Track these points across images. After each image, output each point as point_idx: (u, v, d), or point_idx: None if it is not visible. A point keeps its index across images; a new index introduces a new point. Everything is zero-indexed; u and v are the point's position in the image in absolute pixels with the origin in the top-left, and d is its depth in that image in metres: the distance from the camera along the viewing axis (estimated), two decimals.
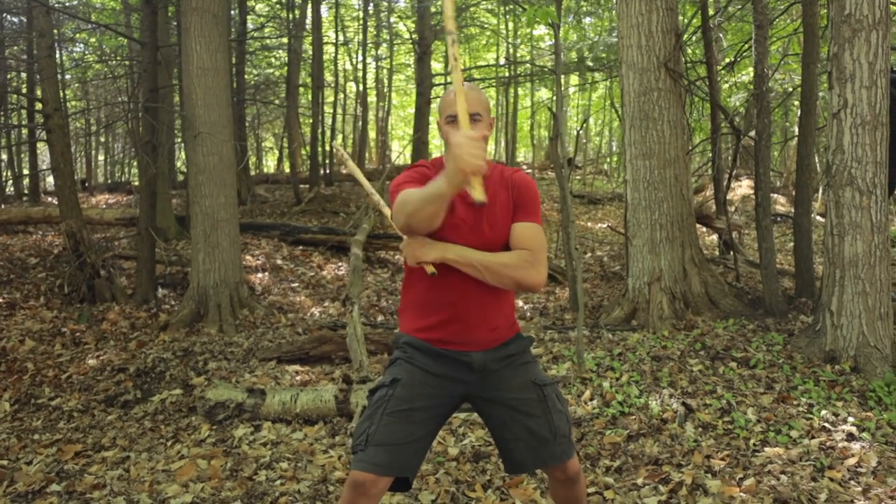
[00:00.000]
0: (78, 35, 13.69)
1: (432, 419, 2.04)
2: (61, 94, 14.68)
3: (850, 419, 3.45)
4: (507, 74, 17.82)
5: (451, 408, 2.11)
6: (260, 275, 7.87)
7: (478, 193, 1.63)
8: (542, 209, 2.12)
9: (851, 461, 3.05)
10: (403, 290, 2.17)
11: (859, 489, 2.86)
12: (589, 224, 12.39)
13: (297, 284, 7.72)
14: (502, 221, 2.04)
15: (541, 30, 19.72)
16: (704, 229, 9.19)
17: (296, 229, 9.39)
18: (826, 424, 3.42)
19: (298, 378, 4.68)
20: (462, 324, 2.05)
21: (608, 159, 22.43)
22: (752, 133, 6.39)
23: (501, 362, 2.09)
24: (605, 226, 11.80)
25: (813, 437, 3.31)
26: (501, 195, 2.05)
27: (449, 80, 17.75)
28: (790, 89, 11.38)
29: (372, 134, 23.08)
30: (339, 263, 8.83)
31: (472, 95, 2.00)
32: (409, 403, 1.98)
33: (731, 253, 7.41)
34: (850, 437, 3.30)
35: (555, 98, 19.40)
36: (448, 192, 1.68)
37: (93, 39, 14.76)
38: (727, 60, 8.87)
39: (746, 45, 6.54)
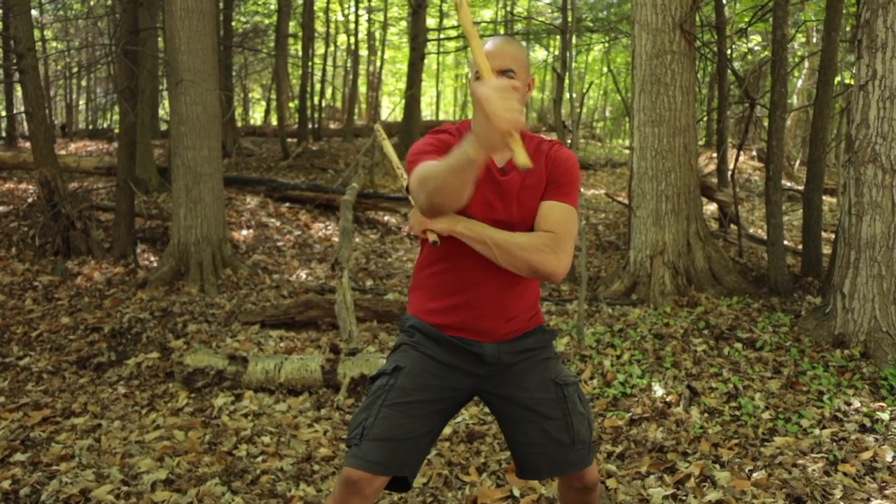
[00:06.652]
0: None
1: (437, 413, 1.81)
2: (39, 33, 14.04)
3: (863, 409, 3.29)
4: (504, 32, 17.30)
5: (458, 402, 1.88)
6: (244, 232, 7.58)
7: (521, 157, 1.35)
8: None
9: (866, 455, 2.90)
10: (416, 266, 1.92)
11: (875, 486, 2.71)
12: (582, 189, 12.15)
13: (282, 244, 7.45)
14: (532, 201, 1.78)
15: None
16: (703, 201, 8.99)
17: (283, 185, 9.06)
18: (838, 414, 3.27)
19: (283, 345, 4.46)
20: (475, 311, 1.81)
21: (602, 123, 22.08)
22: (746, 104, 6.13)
23: (518, 356, 1.86)
24: (599, 192, 11.57)
25: (824, 428, 3.15)
26: (536, 170, 1.79)
27: (443, 35, 17.19)
28: (796, 59, 11.08)
29: (362, 89, 22.50)
30: (327, 223, 8.56)
31: (507, 50, 1.72)
32: (411, 395, 1.76)
33: (731, 227, 7.22)
34: (863, 428, 3.15)
35: (551, 59, 18.93)
36: (478, 159, 1.42)
37: None
38: (737, 26, 8.54)
39: (765, 10, 6.23)
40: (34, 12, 12.61)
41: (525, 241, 1.70)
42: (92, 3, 13.09)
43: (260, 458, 3.08)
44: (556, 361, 1.92)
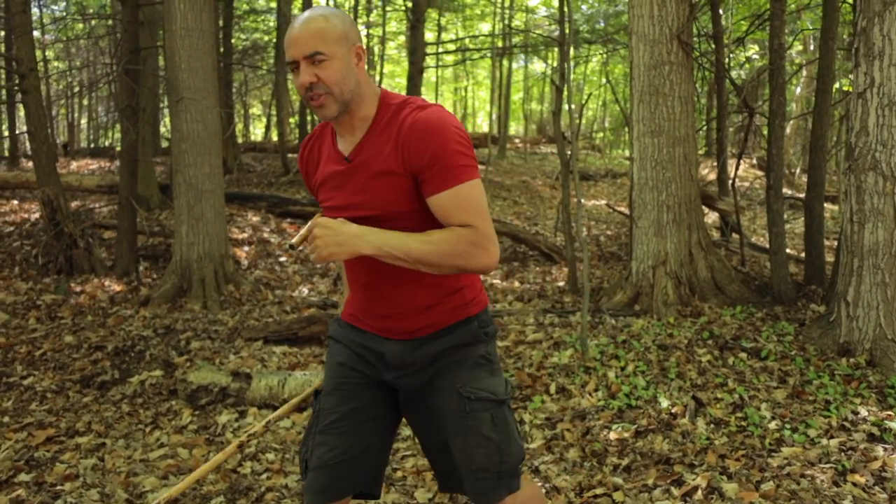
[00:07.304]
0: None
1: (370, 421, 1.69)
2: (40, 53, 14.15)
3: (871, 418, 3.28)
4: (502, 45, 17.40)
5: (388, 405, 1.73)
6: (246, 248, 7.59)
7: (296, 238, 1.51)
8: (476, 159, 1.54)
9: (875, 465, 2.88)
10: None
11: (885, 496, 2.69)
12: (582, 201, 12.16)
13: (284, 259, 7.46)
14: (390, 189, 1.52)
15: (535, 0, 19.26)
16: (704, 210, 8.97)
17: (284, 201, 9.09)
18: (845, 423, 3.25)
19: (286, 360, 4.45)
20: (374, 304, 1.63)
21: (601, 134, 22.15)
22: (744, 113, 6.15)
23: (429, 359, 1.63)
24: (600, 203, 11.59)
25: (832, 437, 3.13)
26: (385, 148, 1.52)
27: (441, 49, 17.33)
28: (794, 67, 11.13)
29: None
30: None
31: (309, 30, 1.46)
32: (334, 412, 1.67)
33: (733, 236, 7.22)
34: (872, 437, 3.13)
35: (549, 70, 19.02)
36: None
37: None
38: (735, 35, 8.59)
39: (762, 20, 6.26)
40: (35, 33, 12.73)
41: (445, 247, 1.47)
42: (93, 23, 13.20)
43: (265, 476, 3.06)
44: (470, 366, 1.63)
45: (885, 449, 3.01)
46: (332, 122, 1.60)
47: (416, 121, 1.47)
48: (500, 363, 1.73)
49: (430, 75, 20.97)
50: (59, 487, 2.96)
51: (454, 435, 1.60)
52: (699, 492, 2.74)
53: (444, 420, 1.62)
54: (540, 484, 2.88)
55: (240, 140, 17.37)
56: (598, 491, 2.81)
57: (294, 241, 1.52)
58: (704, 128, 9.56)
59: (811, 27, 9.89)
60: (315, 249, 1.44)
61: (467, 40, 18.02)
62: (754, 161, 14.96)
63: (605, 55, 16.54)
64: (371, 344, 1.68)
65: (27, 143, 15.38)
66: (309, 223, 1.57)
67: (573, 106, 4.43)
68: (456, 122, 1.50)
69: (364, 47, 1.55)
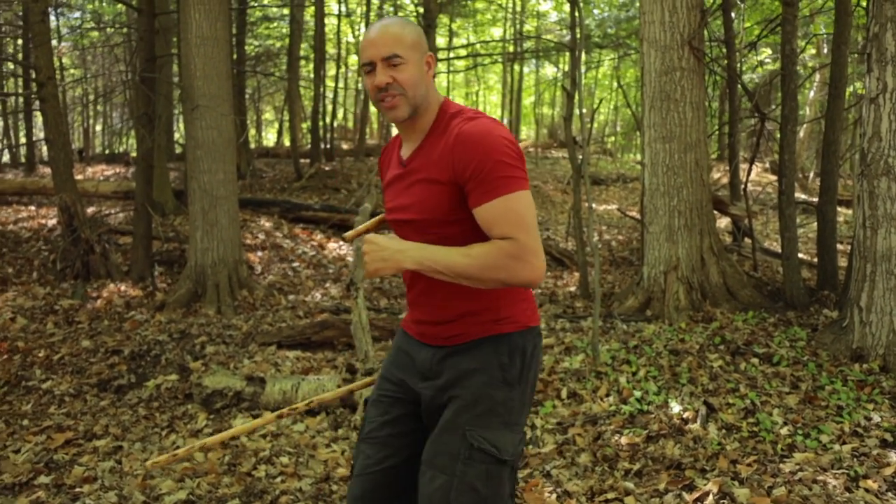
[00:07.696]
0: (74, 0, 13.30)
1: (404, 436, 1.69)
2: (58, 61, 14.36)
3: (884, 424, 3.27)
4: (513, 50, 17.44)
5: (422, 421, 1.73)
6: (259, 253, 7.66)
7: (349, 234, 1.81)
8: (525, 170, 1.52)
9: (888, 470, 2.88)
10: None
11: None
12: (594, 205, 12.15)
13: (297, 264, 7.52)
14: (421, 189, 1.55)
15: (547, 5, 19.31)
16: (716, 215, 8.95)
17: (296, 206, 9.16)
18: (858, 429, 3.24)
19: (300, 365, 4.50)
20: (415, 309, 1.67)
21: (613, 138, 22.12)
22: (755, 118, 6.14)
23: (454, 374, 1.59)
24: (611, 208, 11.58)
25: (844, 443, 3.13)
26: (433, 155, 1.55)
27: (452, 54, 17.36)
28: (807, 70, 11.09)
29: (373, 109, 22.71)
30: (341, 242, 8.62)
31: (389, 33, 1.53)
32: (373, 422, 1.71)
33: (745, 241, 7.20)
34: (885, 443, 3.12)
35: (560, 75, 19.04)
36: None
37: (91, 6, 14.40)
38: (747, 40, 8.57)
39: (773, 24, 6.26)
40: (52, 41, 12.93)
41: (485, 260, 1.45)
42: (109, 31, 13.38)
43: (279, 479, 3.10)
44: (486, 413, 1.54)
45: None
46: (399, 129, 1.67)
47: (462, 132, 1.49)
48: (521, 416, 1.60)
49: (441, 80, 21.04)
50: (77, 489, 3.01)
51: (440, 469, 1.53)
52: (711, 497, 2.74)
53: (436, 450, 1.55)
54: (551, 488, 2.90)
55: (252, 146, 17.51)
56: (610, 496, 2.82)
57: (348, 234, 1.71)
58: (716, 132, 9.55)
59: (824, 31, 9.86)
60: (364, 265, 1.49)
61: (479, 45, 18.07)
62: (767, 165, 14.90)
63: (616, 59, 16.53)
64: (411, 349, 1.70)
65: (44, 150, 15.61)
66: (369, 221, 1.74)
67: (584, 110, 4.46)
68: (504, 133, 1.50)
69: (434, 56, 1.62)
